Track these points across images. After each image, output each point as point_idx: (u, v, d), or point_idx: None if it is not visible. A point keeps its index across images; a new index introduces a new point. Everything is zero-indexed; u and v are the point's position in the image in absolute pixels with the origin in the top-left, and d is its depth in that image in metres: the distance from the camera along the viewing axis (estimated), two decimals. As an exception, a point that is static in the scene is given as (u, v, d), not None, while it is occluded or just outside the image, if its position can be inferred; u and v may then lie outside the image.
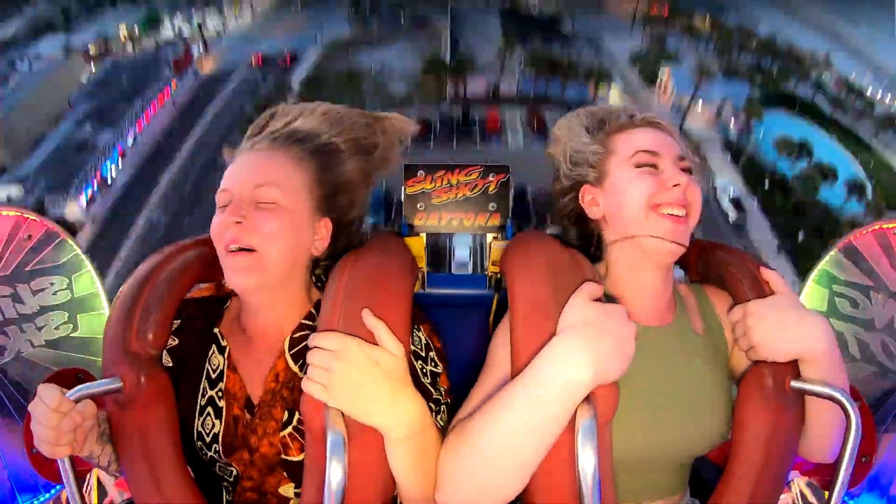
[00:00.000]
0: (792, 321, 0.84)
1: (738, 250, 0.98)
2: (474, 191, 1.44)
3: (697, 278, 1.04)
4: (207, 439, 0.90)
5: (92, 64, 33.39)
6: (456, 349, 0.98)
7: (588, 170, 0.96)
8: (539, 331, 0.77)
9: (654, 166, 0.90)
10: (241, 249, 0.83)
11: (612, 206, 0.93)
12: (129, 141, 24.15)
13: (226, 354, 0.93)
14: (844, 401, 0.80)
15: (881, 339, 1.52)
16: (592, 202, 0.96)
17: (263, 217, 0.84)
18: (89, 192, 20.69)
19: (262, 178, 0.86)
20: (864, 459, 1.30)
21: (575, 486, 0.73)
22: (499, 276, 1.30)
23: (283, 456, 0.86)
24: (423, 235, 1.44)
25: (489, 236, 1.47)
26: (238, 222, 0.83)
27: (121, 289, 0.92)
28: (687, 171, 0.91)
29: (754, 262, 0.93)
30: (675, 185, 0.88)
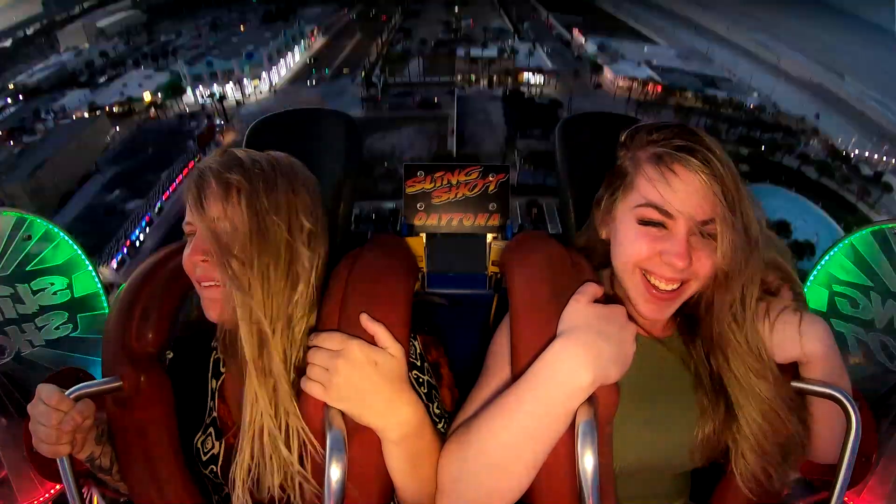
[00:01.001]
0: (791, 323, 0.84)
1: None
2: (474, 191, 1.44)
3: None
4: (204, 458, 0.89)
5: (117, 126, 34.26)
6: (456, 349, 0.97)
7: (611, 186, 0.88)
8: (539, 332, 0.77)
9: (661, 226, 0.80)
10: (213, 285, 0.82)
11: (612, 241, 0.88)
12: (156, 209, 26.28)
13: (220, 380, 0.92)
14: (845, 401, 0.80)
15: (881, 340, 1.52)
16: (602, 222, 0.91)
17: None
18: (120, 256, 23.30)
19: (217, 212, 0.81)
20: (864, 459, 1.29)
21: (575, 487, 0.73)
22: (499, 276, 1.30)
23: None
24: (423, 235, 1.44)
25: (489, 236, 1.47)
26: (204, 260, 0.81)
27: (121, 288, 0.92)
28: (709, 235, 0.78)
29: None
30: (670, 264, 0.79)
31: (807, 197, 25.10)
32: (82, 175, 28.79)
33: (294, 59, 49.28)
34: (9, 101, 41.34)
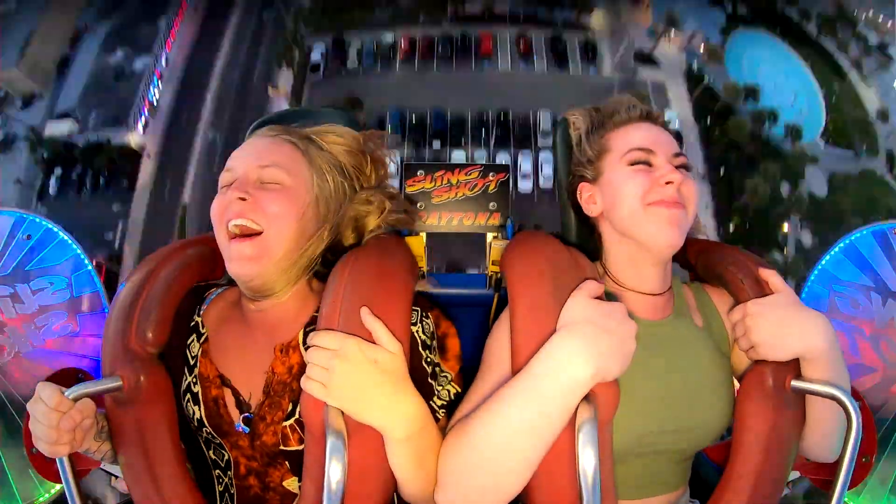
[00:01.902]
0: (792, 319, 0.84)
1: (738, 249, 0.98)
2: (474, 190, 1.44)
3: (697, 278, 1.04)
4: (195, 424, 0.90)
5: None
6: None
7: (585, 168, 0.98)
8: (539, 329, 0.77)
9: (647, 163, 0.91)
10: (243, 236, 0.83)
11: (609, 203, 0.94)
12: (163, 62, 23.46)
13: (201, 341, 0.93)
14: (846, 400, 0.80)
15: (881, 340, 1.52)
16: (590, 200, 0.97)
17: (269, 197, 0.85)
18: (143, 118, 21.25)
19: (268, 160, 0.87)
20: (864, 460, 1.29)
21: (575, 486, 0.73)
22: (499, 275, 1.30)
23: (282, 446, 0.86)
24: (423, 235, 1.44)
25: (489, 236, 1.48)
26: (242, 198, 0.83)
27: (120, 287, 0.92)
28: (683, 167, 0.92)
29: (753, 262, 0.93)
30: (667, 183, 0.88)
31: (797, 53, 20.95)
32: (71, 36, 24.81)
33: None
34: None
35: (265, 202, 0.84)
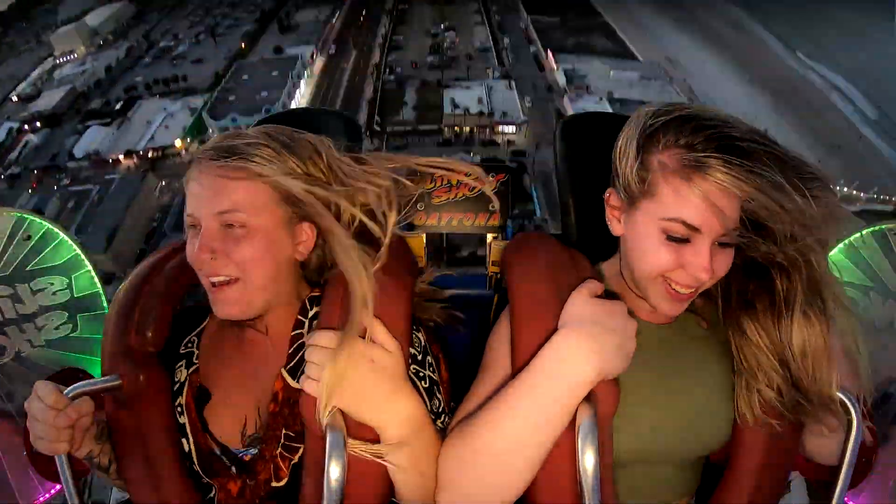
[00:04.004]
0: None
1: None
2: (474, 191, 1.44)
3: None
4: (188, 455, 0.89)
5: (162, 181, 34.40)
6: (456, 349, 0.97)
7: (619, 183, 0.82)
8: (540, 329, 0.77)
9: (686, 241, 0.77)
10: (223, 282, 0.82)
11: (628, 243, 0.84)
12: None
13: (190, 370, 0.91)
14: (846, 400, 0.80)
15: (881, 340, 1.52)
16: (614, 215, 0.86)
17: (235, 245, 0.80)
18: None
19: (227, 203, 0.80)
20: (864, 460, 1.29)
21: (575, 486, 0.73)
22: (499, 276, 1.30)
23: (274, 483, 0.84)
24: (423, 235, 1.44)
25: (489, 236, 1.47)
26: (212, 258, 0.80)
27: (120, 286, 0.92)
28: (726, 245, 0.78)
29: None
30: (695, 276, 0.77)
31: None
32: (146, 233, 30.17)
33: (301, 92, 48.17)
34: (26, 127, 40.99)
35: (234, 252, 0.80)
